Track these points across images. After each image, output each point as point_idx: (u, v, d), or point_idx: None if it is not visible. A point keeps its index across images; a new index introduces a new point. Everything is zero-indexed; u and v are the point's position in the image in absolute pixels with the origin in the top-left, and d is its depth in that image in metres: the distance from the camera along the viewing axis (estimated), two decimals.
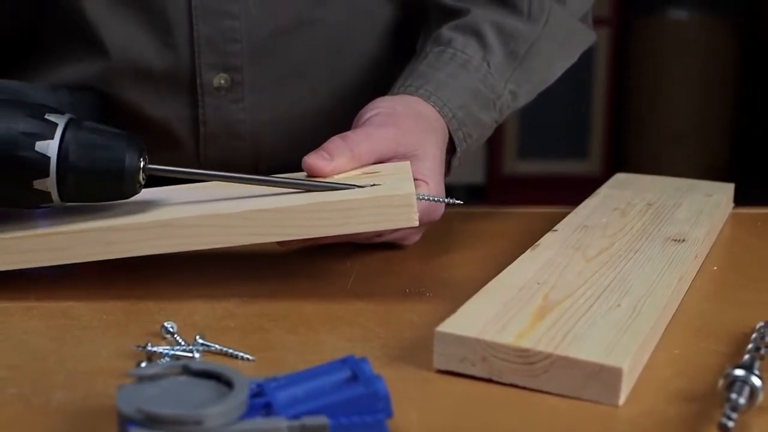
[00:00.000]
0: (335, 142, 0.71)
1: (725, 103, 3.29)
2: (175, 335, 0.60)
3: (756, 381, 0.51)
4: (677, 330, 0.63)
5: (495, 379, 0.55)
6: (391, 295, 0.69)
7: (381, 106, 0.76)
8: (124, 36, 0.83)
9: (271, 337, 0.61)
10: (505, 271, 0.65)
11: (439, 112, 0.78)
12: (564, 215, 0.78)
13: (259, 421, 0.45)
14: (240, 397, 0.45)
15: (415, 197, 0.64)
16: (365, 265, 0.74)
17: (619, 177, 0.92)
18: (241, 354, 0.58)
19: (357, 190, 0.66)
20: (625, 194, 0.85)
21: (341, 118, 0.81)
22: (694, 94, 3.23)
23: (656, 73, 3.25)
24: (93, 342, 0.60)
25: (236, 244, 0.66)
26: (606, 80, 3.33)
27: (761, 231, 0.85)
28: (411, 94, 0.79)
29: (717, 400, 0.51)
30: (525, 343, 0.54)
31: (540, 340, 0.54)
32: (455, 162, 0.82)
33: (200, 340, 0.59)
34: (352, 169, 0.71)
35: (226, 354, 0.58)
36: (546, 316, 0.58)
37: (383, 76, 0.89)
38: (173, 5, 0.82)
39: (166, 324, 0.60)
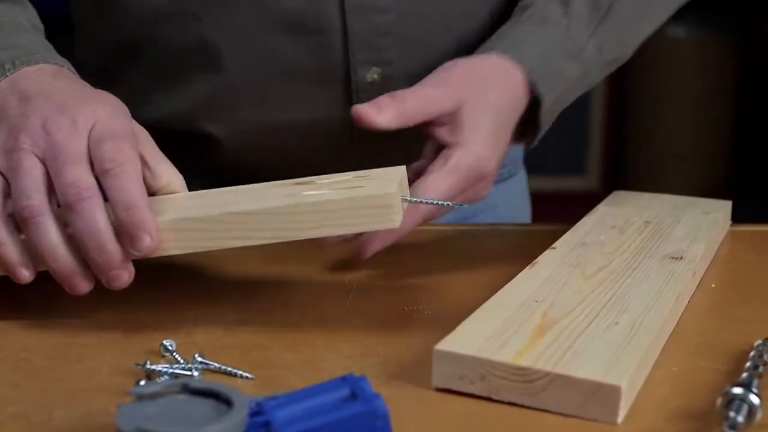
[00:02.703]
0: (384, 99, 0.74)
1: (723, 120, 3.29)
2: (174, 353, 0.60)
3: (754, 399, 0.51)
4: (675, 348, 0.63)
5: (494, 397, 0.55)
6: (389, 312, 0.69)
7: (444, 66, 0.79)
8: (273, 44, 0.83)
9: (270, 355, 0.61)
10: (503, 288, 0.65)
11: (518, 65, 0.79)
12: (562, 232, 0.78)
13: None
14: (239, 415, 0.45)
15: (398, 197, 0.62)
16: (364, 282, 0.74)
17: (617, 194, 0.92)
18: (240, 372, 0.58)
19: (335, 191, 0.64)
20: (623, 212, 0.85)
21: None
22: (692, 111, 3.24)
23: (654, 90, 3.25)
24: (92, 360, 0.60)
25: (209, 249, 0.63)
26: (604, 97, 3.33)
27: (759, 248, 0.85)
28: (487, 52, 0.80)
29: (715, 419, 0.52)
30: (523, 362, 0.54)
31: (539, 358, 0.54)
32: (543, 118, 0.82)
33: (199, 359, 0.59)
34: (398, 127, 0.74)
35: (225, 372, 0.58)
36: (545, 334, 0.58)
37: None
38: (327, 8, 0.82)
39: (165, 342, 0.60)
